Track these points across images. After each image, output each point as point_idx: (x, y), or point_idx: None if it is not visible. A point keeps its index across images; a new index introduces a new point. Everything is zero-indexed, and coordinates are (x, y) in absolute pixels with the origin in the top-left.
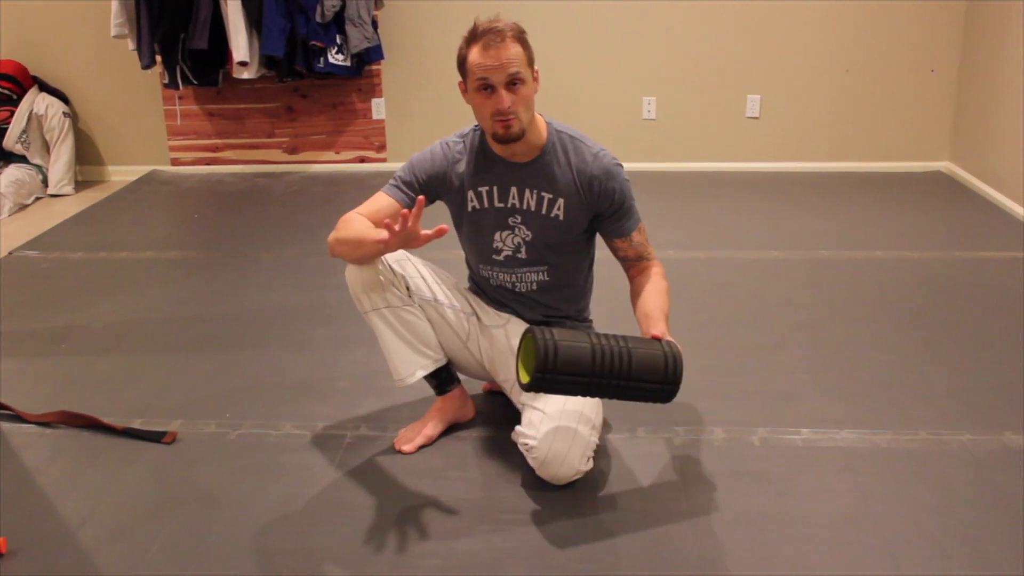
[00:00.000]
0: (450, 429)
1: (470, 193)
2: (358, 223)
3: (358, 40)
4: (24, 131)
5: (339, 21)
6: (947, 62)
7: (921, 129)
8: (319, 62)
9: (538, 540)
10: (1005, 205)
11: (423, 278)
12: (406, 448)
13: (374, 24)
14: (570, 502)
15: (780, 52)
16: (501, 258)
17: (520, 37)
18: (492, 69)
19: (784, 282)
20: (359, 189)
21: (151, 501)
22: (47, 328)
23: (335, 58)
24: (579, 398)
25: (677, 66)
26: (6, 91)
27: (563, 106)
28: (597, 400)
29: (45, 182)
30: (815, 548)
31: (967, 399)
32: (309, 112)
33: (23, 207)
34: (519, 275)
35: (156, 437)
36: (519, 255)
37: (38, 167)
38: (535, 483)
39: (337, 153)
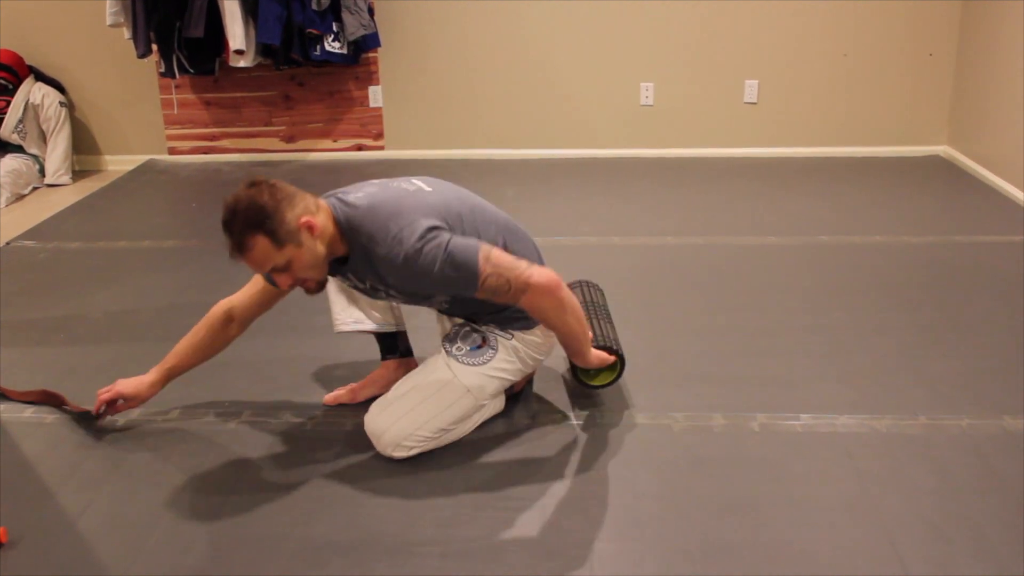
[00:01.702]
0: None
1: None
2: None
3: (355, 28)
4: (20, 121)
5: (335, 8)
6: (945, 46)
7: (919, 113)
8: (315, 50)
9: (538, 528)
10: (1003, 189)
11: None
12: (326, 398)
13: (370, 11)
14: (569, 489)
15: (778, 37)
16: (391, 302)
17: (260, 225)
18: (255, 269)
19: (783, 267)
20: (357, 177)
21: (150, 491)
22: (45, 318)
23: (331, 46)
24: (431, 401)
25: (674, 52)
26: (2, 81)
27: (561, 93)
28: (455, 411)
29: (42, 172)
30: (815, 533)
31: (966, 384)
32: (306, 100)
33: (20, 197)
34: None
35: (92, 417)
36: (408, 302)
37: (35, 157)
38: (535, 471)
39: (335, 141)
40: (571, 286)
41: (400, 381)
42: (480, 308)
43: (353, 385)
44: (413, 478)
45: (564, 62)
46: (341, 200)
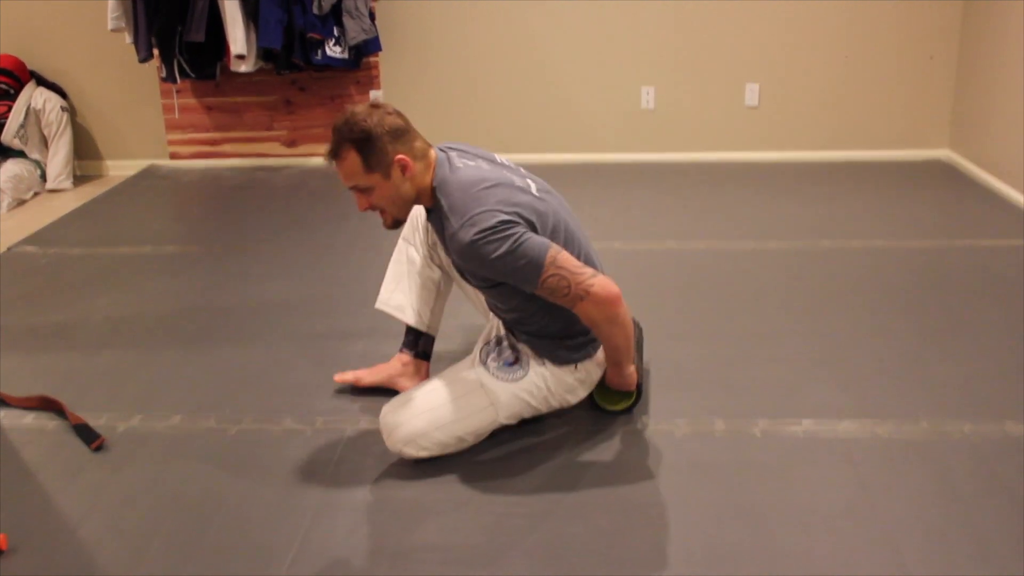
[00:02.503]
0: None
1: None
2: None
3: (356, 32)
4: (22, 126)
5: (336, 13)
6: (946, 49)
7: (920, 117)
8: (317, 54)
9: (539, 535)
10: (1005, 193)
11: None
12: (336, 376)
13: (372, 16)
14: (571, 496)
15: (779, 41)
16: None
17: (358, 143)
18: (342, 180)
19: (784, 272)
20: None
21: (151, 497)
22: (46, 323)
23: (333, 50)
24: (453, 405)
25: (676, 56)
26: (4, 86)
27: (562, 97)
28: (475, 422)
29: (43, 177)
30: (816, 539)
31: (968, 388)
32: (307, 105)
33: (21, 202)
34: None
35: (89, 440)
36: (470, 281)
37: (36, 162)
38: (537, 478)
39: None
40: None
41: (426, 381)
42: (522, 316)
43: (360, 371)
44: (413, 484)
45: (565, 66)
46: (449, 158)
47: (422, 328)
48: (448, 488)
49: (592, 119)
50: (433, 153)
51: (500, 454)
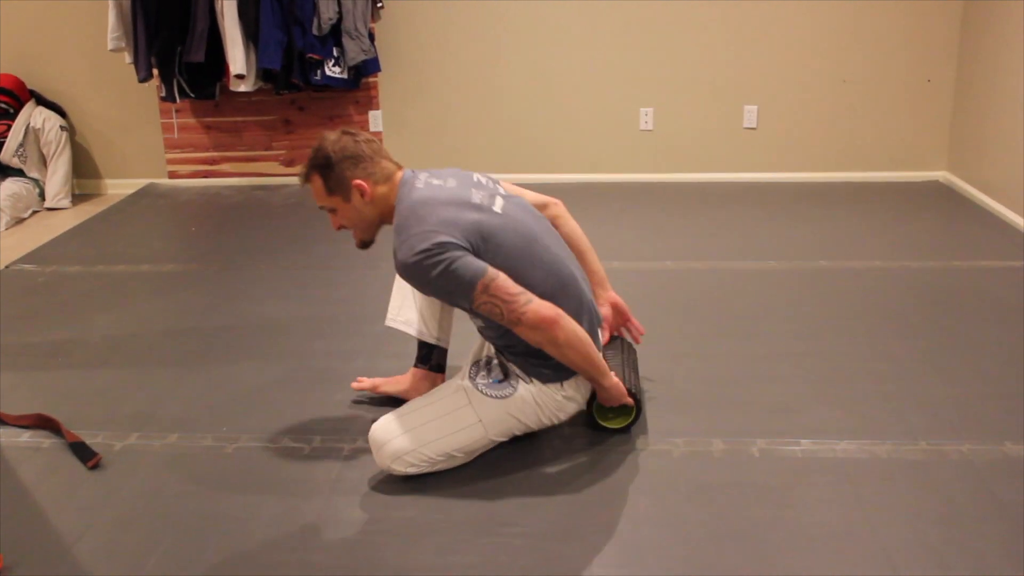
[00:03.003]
0: None
1: None
2: None
3: (355, 52)
4: (21, 145)
5: (336, 34)
6: (944, 72)
7: (918, 139)
8: (316, 75)
9: (536, 554)
10: (1002, 214)
11: None
12: (353, 384)
13: (371, 36)
14: (568, 515)
15: (777, 63)
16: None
17: (320, 167)
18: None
19: (783, 292)
20: None
21: (147, 516)
22: (44, 341)
23: (332, 70)
24: (440, 422)
25: (674, 77)
26: (3, 105)
27: (561, 117)
28: (463, 438)
29: (42, 196)
30: (815, 559)
31: (967, 409)
32: (306, 125)
33: (20, 221)
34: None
35: (85, 458)
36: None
37: (35, 181)
38: (534, 497)
39: None
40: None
41: (416, 399)
42: (509, 340)
43: (378, 380)
44: (411, 503)
45: (564, 87)
46: (415, 179)
47: (432, 341)
48: (445, 508)
49: (591, 140)
50: (400, 175)
51: (497, 474)
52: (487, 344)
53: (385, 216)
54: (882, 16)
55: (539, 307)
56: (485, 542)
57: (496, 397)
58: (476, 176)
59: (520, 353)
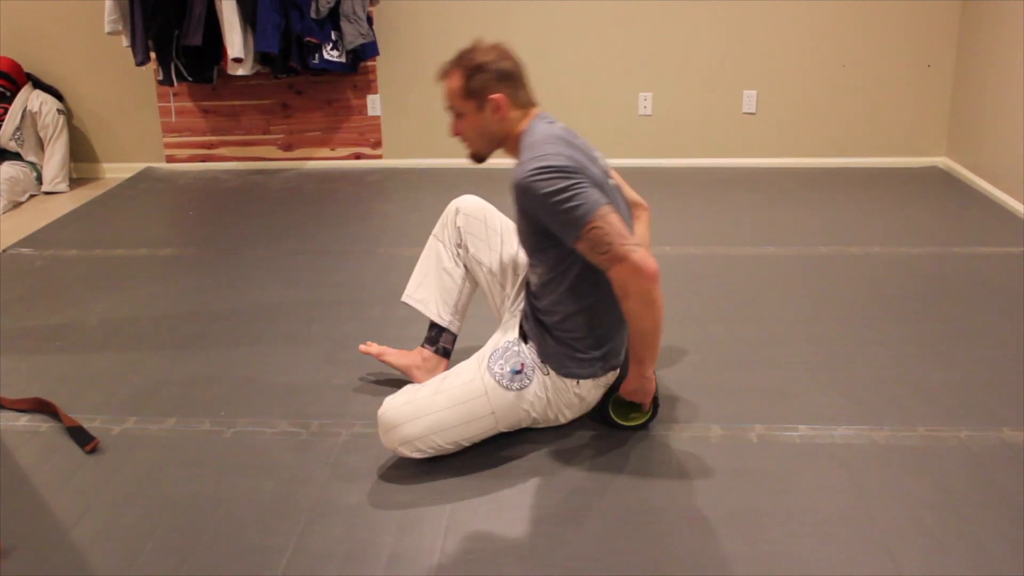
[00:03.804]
0: None
1: None
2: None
3: (353, 36)
4: (18, 128)
5: (334, 17)
6: (943, 57)
7: (918, 124)
8: (314, 58)
9: (535, 539)
10: (1002, 200)
11: (487, 243)
12: (360, 347)
13: (369, 20)
14: (565, 499)
15: (776, 48)
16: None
17: (466, 69)
18: (444, 97)
19: (781, 278)
20: (354, 186)
21: (145, 499)
22: (42, 325)
23: (330, 54)
24: (457, 410)
25: (673, 62)
26: (0, 88)
27: (560, 102)
28: (474, 428)
29: (39, 179)
30: (813, 545)
31: (965, 395)
32: (304, 109)
33: (17, 205)
34: (528, 270)
35: (83, 442)
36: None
37: (32, 164)
38: (531, 482)
39: (332, 150)
40: None
41: (431, 380)
42: (555, 306)
43: (386, 348)
44: (409, 488)
45: (562, 72)
46: (551, 120)
47: (443, 324)
48: (444, 492)
49: (589, 124)
50: (536, 111)
51: (497, 460)
52: (507, 333)
53: (508, 140)
54: (881, 1)
55: (646, 254)
56: (482, 524)
57: (512, 389)
58: (596, 152)
59: (550, 327)
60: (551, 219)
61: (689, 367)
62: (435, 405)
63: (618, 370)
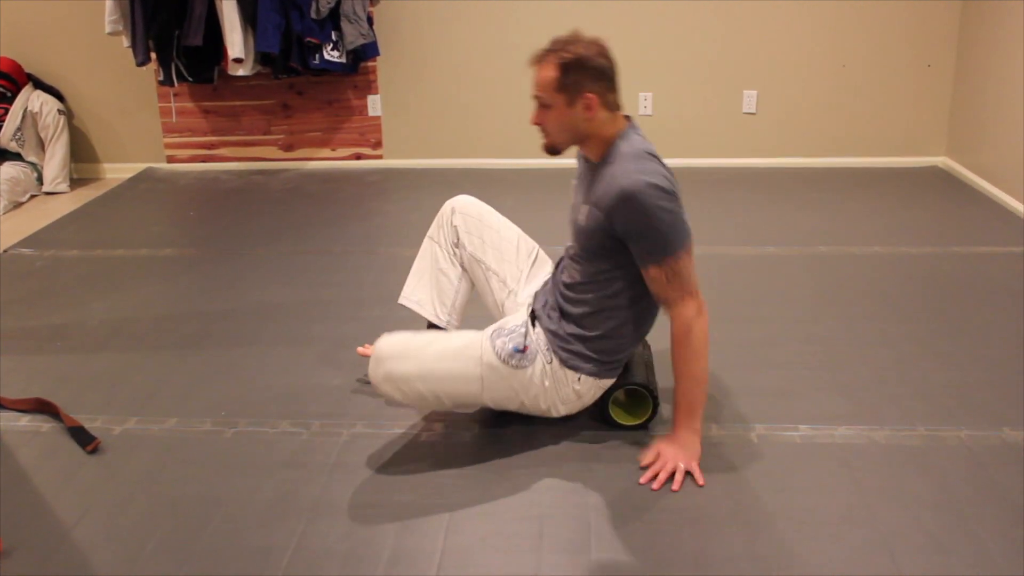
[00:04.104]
0: (447, 424)
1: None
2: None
3: (353, 36)
4: (19, 129)
5: (334, 17)
6: (943, 57)
7: (918, 124)
8: (314, 59)
9: (535, 536)
10: (1002, 200)
11: (484, 241)
12: (358, 350)
13: (369, 20)
14: (566, 498)
15: (777, 48)
16: (568, 242)
17: (563, 61)
18: (532, 85)
19: (781, 278)
20: (355, 186)
21: (146, 500)
22: (42, 326)
23: (330, 55)
24: (447, 363)
25: (673, 62)
26: (1, 88)
27: None
28: (458, 388)
29: (40, 180)
30: (813, 544)
31: (965, 395)
32: (305, 109)
33: (18, 205)
34: (564, 263)
35: (84, 442)
36: (569, 247)
37: (33, 165)
38: (532, 481)
39: (333, 150)
40: None
41: (433, 332)
42: (575, 304)
43: None
44: (409, 487)
45: None
46: (642, 135)
47: (441, 324)
48: (443, 491)
49: None
50: (624, 119)
51: (497, 460)
52: (516, 317)
53: (590, 140)
54: (881, 1)
55: (705, 303)
56: (482, 523)
57: (509, 365)
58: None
59: (573, 318)
60: (640, 235)
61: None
62: (428, 352)
63: (616, 376)
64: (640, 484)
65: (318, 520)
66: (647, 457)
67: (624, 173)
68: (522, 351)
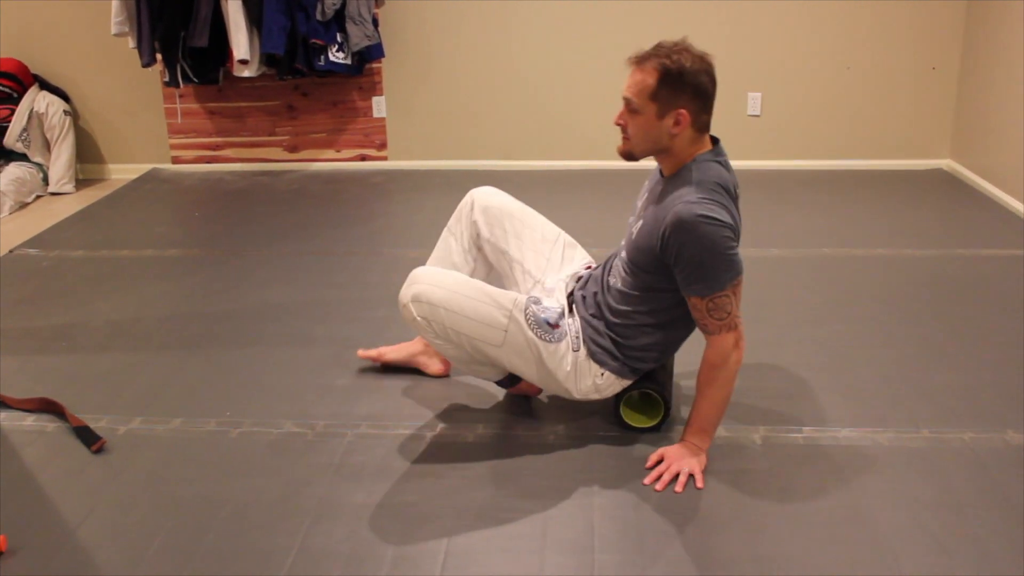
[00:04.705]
0: (451, 424)
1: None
2: None
3: (359, 38)
4: (25, 129)
5: (340, 19)
6: (948, 59)
7: (922, 126)
8: (320, 60)
9: (538, 538)
10: (1006, 202)
11: (506, 231)
12: (359, 352)
13: (375, 22)
14: (569, 500)
15: (781, 50)
16: (622, 242)
17: (663, 70)
18: (626, 85)
19: (785, 280)
20: (360, 187)
21: (150, 499)
22: (47, 326)
23: (336, 56)
24: (477, 304)
25: None
26: (7, 89)
27: (564, 105)
28: (481, 333)
29: (46, 180)
30: (816, 546)
31: (969, 397)
32: (310, 110)
33: (24, 205)
34: (614, 264)
35: (89, 442)
36: (621, 250)
37: (39, 165)
38: (536, 483)
39: (338, 151)
40: None
41: (475, 279)
42: (625, 318)
43: (383, 348)
44: (414, 489)
45: (568, 73)
46: (724, 161)
47: None
48: (448, 493)
49: (594, 126)
50: (709, 140)
51: (501, 460)
52: (559, 296)
53: (668, 155)
54: (886, 3)
55: (744, 337)
56: (486, 526)
57: (532, 331)
58: None
59: (613, 325)
60: (690, 266)
61: (691, 369)
62: (463, 287)
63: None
64: (644, 484)
65: (322, 521)
66: (652, 459)
67: (684, 201)
68: (553, 326)
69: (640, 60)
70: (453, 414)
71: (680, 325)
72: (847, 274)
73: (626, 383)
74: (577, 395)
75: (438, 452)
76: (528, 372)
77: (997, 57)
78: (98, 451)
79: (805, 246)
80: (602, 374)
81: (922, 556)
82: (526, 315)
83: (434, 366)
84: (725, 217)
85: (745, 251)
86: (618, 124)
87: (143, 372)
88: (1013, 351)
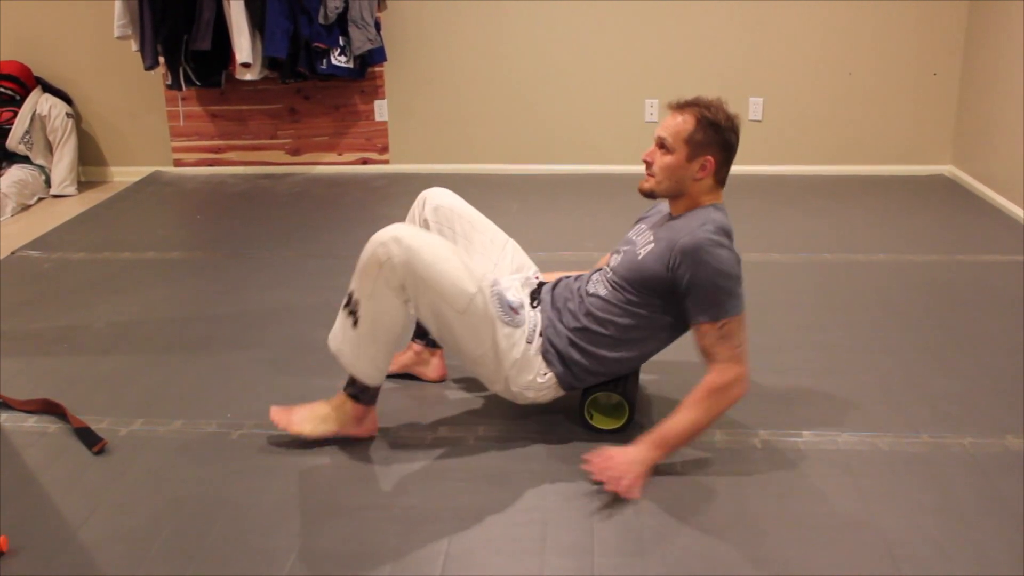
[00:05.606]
0: (451, 426)
1: None
2: None
3: (361, 42)
4: (27, 132)
5: (342, 23)
6: (949, 65)
7: (924, 132)
8: (322, 64)
9: (538, 540)
10: (1007, 209)
11: (454, 231)
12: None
13: (377, 26)
14: (569, 503)
15: (783, 55)
16: (600, 265)
17: (703, 119)
18: (662, 126)
19: (786, 285)
20: (361, 191)
21: (151, 501)
22: (49, 328)
23: (338, 60)
24: (447, 264)
25: (679, 69)
26: (9, 92)
27: (566, 108)
28: (444, 289)
29: (48, 183)
30: (816, 551)
31: (969, 402)
32: (312, 114)
33: (26, 207)
34: (594, 281)
35: (91, 443)
36: (607, 270)
37: (41, 168)
38: (536, 485)
39: (340, 155)
40: None
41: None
42: (608, 331)
43: None
44: (414, 490)
45: (570, 78)
46: (722, 212)
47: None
48: (448, 495)
49: (596, 131)
50: (722, 196)
51: (499, 463)
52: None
53: (684, 199)
54: (888, 9)
55: (748, 376)
56: (487, 527)
57: (496, 308)
58: None
59: (583, 330)
60: (703, 289)
61: (692, 373)
62: (444, 247)
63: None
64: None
65: (322, 522)
66: (596, 459)
67: (701, 227)
68: (514, 311)
69: (680, 106)
70: (453, 416)
71: (645, 350)
72: (848, 279)
73: (560, 394)
74: (512, 387)
75: (438, 454)
76: (473, 348)
77: (998, 63)
78: (99, 452)
79: (806, 251)
80: (544, 374)
81: (922, 560)
82: (492, 292)
83: (430, 372)
84: (727, 252)
85: (746, 256)
86: (645, 161)
87: (144, 374)
88: (1013, 357)
